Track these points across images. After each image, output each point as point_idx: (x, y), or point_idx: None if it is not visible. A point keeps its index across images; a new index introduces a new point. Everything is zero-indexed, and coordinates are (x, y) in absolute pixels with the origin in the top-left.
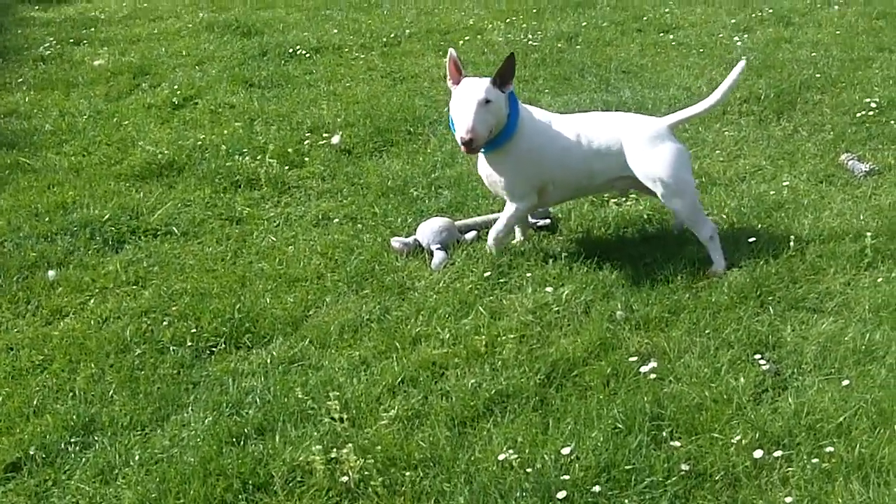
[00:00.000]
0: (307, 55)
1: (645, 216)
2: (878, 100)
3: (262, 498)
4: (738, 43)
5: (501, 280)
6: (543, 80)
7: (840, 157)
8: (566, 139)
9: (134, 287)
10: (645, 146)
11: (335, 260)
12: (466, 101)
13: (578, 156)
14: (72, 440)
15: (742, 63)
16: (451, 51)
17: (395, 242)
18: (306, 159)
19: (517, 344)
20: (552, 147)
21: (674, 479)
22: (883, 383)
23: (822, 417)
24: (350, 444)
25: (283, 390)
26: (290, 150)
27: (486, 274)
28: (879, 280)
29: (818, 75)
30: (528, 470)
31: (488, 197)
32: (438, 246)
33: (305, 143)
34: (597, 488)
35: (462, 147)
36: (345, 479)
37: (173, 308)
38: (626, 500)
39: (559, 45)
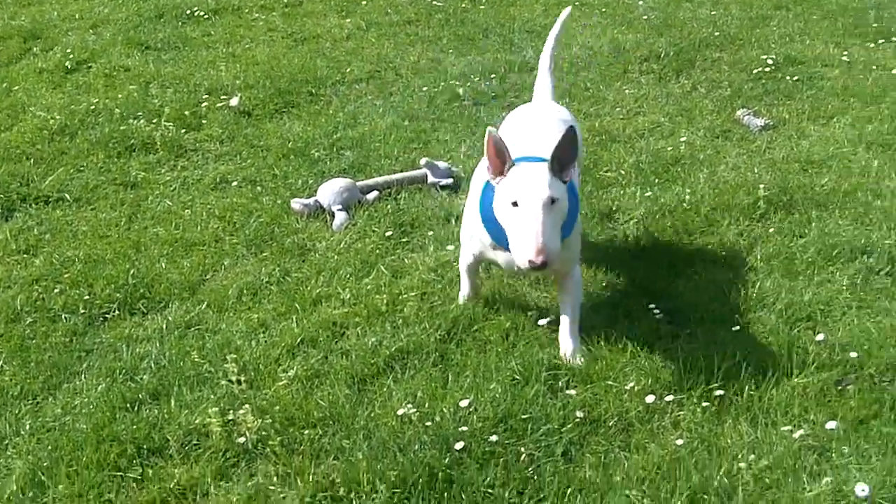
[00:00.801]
0: (205, 17)
1: None
2: (774, 56)
3: (157, 462)
4: (640, 3)
5: (403, 240)
6: (447, 40)
7: (736, 113)
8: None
9: (24, 255)
10: None
11: (234, 223)
12: (525, 205)
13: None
14: None
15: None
16: (491, 130)
17: (296, 204)
18: (204, 122)
19: (418, 302)
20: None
21: (569, 426)
22: (772, 329)
23: (713, 362)
24: (247, 406)
25: (178, 355)
26: (186, 112)
27: (388, 234)
28: (771, 230)
29: (717, 33)
30: (428, 423)
31: (391, 157)
32: (340, 207)
33: (203, 105)
34: (494, 438)
35: (529, 269)
36: (242, 440)
37: (65, 275)
38: (523, 448)
39: (463, 6)
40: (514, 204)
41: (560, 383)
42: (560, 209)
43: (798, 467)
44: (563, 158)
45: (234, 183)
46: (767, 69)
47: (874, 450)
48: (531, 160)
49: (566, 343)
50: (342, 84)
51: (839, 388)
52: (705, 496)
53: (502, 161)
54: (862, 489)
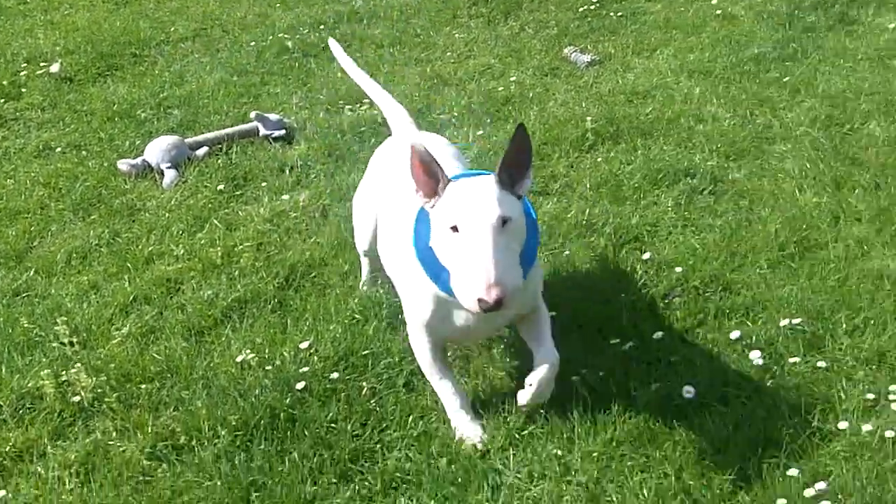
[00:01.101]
0: None
1: (379, 120)
2: None
3: None
4: None
5: (237, 193)
6: None
7: (564, 51)
8: None
9: None
10: None
11: (59, 189)
12: (469, 230)
13: None
14: None
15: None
16: (416, 144)
17: (123, 165)
18: (23, 91)
19: (254, 252)
20: None
21: (409, 359)
22: (602, 252)
23: (546, 289)
24: (80, 365)
25: (7, 322)
26: (5, 82)
27: (220, 188)
28: (599, 160)
29: None
30: (268, 367)
31: (221, 113)
32: (168, 165)
33: (22, 74)
34: (335, 375)
35: (479, 311)
36: (77, 398)
37: None
38: (364, 383)
39: None
40: (454, 229)
41: (399, 319)
42: (515, 231)
43: (629, 377)
44: (514, 168)
45: (59, 149)
46: (593, 7)
47: (699, 356)
48: (473, 175)
49: (528, 393)
50: (167, 44)
51: (666, 301)
52: (541, 410)
53: (434, 179)
54: (688, 391)
